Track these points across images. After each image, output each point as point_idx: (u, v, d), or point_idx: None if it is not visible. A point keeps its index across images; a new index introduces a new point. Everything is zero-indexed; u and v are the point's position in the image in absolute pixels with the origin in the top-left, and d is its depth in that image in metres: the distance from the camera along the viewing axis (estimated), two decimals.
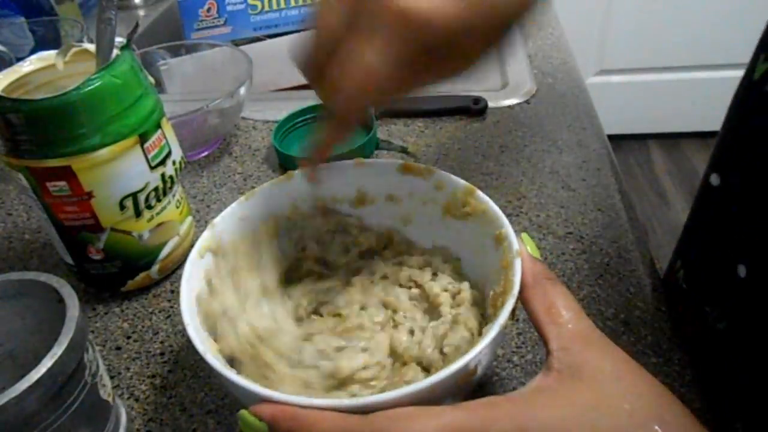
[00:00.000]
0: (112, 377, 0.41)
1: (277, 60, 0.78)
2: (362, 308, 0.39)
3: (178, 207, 0.46)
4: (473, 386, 0.32)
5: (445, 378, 0.27)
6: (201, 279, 0.36)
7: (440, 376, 0.27)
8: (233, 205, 0.39)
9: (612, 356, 0.27)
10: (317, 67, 0.31)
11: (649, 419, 0.24)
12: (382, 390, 0.33)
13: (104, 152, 0.39)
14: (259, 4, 0.79)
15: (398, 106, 0.32)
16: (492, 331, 0.29)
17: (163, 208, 0.44)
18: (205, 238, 0.37)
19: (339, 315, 0.39)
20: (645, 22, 1.74)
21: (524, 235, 0.34)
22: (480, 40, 0.30)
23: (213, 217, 0.38)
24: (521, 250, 0.32)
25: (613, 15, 1.74)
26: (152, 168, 0.42)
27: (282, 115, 0.62)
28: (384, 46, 0.28)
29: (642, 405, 0.25)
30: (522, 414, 0.25)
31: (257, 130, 0.66)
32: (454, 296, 0.37)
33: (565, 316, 0.29)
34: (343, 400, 0.27)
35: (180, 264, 0.48)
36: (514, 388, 0.38)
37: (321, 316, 0.40)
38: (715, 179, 0.36)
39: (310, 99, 0.65)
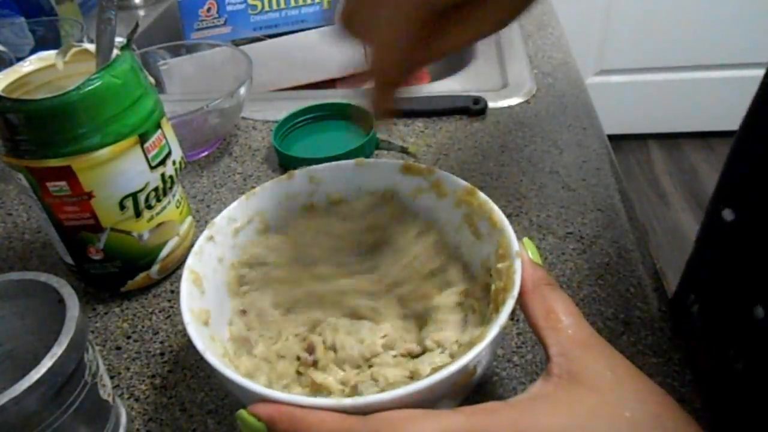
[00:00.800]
0: (112, 377, 0.41)
1: (277, 60, 0.78)
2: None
3: (178, 207, 0.46)
4: (473, 387, 0.32)
5: (445, 378, 0.27)
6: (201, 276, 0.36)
7: (439, 377, 0.27)
8: (233, 204, 0.39)
9: (613, 362, 0.27)
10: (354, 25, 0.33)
11: (650, 426, 0.24)
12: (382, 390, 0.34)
13: (104, 152, 0.39)
14: (259, 4, 0.79)
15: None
16: (492, 332, 0.29)
17: (163, 208, 0.44)
18: (205, 237, 0.37)
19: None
20: (645, 22, 1.74)
21: (525, 239, 0.34)
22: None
23: (213, 217, 0.38)
24: (521, 253, 0.32)
25: (613, 15, 1.74)
26: (152, 168, 0.42)
27: (282, 115, 0.62)
28: (394, 13, 0.29)
29: (642, 411, 0.25)
30: (521, 420, 0.25)
31: (257, 130, 0.66)
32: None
33: (564, 321, 0.28)
34: (342, 399, 0.27)
35: (180, 264, 0.48)
36: (514, 389, 0.38)
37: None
38: (728, 214, 0.34)
39: (310, 99, 0.65)
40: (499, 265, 0.35)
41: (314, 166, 0.42)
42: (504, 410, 0.25)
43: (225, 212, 0.39)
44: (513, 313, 0.30)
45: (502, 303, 0.31)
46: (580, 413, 0.25)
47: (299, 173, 0.41)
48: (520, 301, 0.30)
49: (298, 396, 0.27)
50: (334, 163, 0.42)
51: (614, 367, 0.27)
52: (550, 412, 0.25)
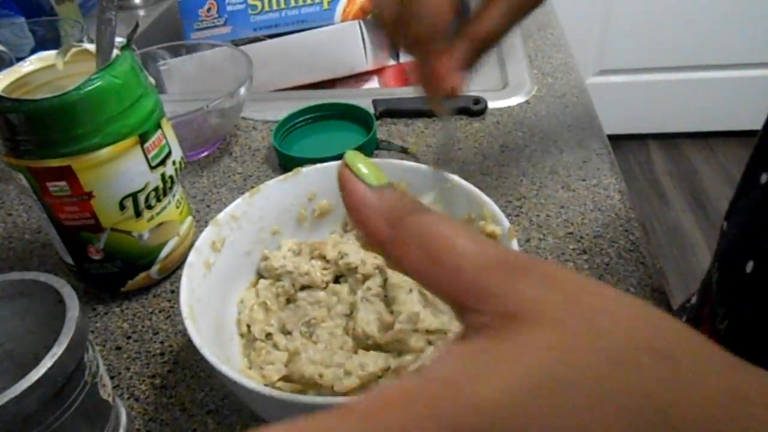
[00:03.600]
0: (112, 377, 0.41)
1: (277, 60, 0.78)
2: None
3: (178, 207, 0.46)
4: None
5: None
6: (201, 273, 0.36)
7: None
8: (237, 201, 0.39)
9: (557, 281, 0.17)
10: (393, 18, 0.35)
11: (641, 353, 0.15)
12: None
13: (104, 152, 0.39)
14: (259, 4, 0.79)
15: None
16: None
17: (163, 208, 0.44)
18: (207, 235, 0.37)
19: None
20: (645, 22, 1.74)
21: (349, 152, 0.22)
22: None
23: (213, 217, 0.38)
24: (344, 174, 0.21)
25: (613, 15, 1.74)
26: (152, 168, 0.42)
27: (282, 115, 0.62)
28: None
29: (623, 337, 0.16)
30: (447, 401, 0.15)
31: (257, 130, 0.66)
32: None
33: (460, 247, 0.18)
34: (337, 398, 0.27)
35: (180, 264, 0.48)
36: None
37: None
38: (765, 177, 0.34)
39: (310, 99, 0.65)
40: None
41: (319, 165, 0.42)
42: (405, 400, 0.15)
43: (228, 209, 0.39)
44: None
45: None
46: (535, 365, 0.15)
47: (305, 171, 0.41)
48: (383, 256, 0.20)
49: (291, 394, 0.28)
50: (339, 162, 0.42)
51: (562, 286, 0.17)
52: (485, 376, 0.15)
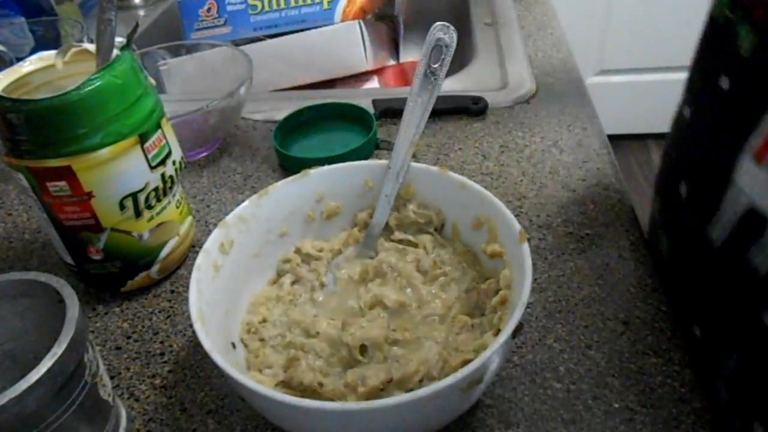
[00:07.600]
0: (112, 377, 0.41)
1: (277, 60, 0.78)
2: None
3: (178, 207, 0.46)
4: (479, 393, 0.32)
5: (451, 385, 0.27)
6: (210, 276, 0.36)
7: (444, 384, 0.27)
8: (245, 203, 0.39)
9: None
10: None
11: None
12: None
13: (104, 152, 0.39)
14: (259, 4, 0.79)
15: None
16: (496, 343, 0.29)
17: (163, 208, 0.44)
18: (216, 237, 0.37)
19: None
20: (645, 22, 1.74)
21: None
22: None
23: (213, 217, 0.38)
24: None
25: (613, 15, 1.74)
26: (152, 168, 0.42)
27: (282, 115, 0.62)
28: None
29: None
30: None
31: (257, 130, 0.66)
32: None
33: None
34: (346, 404, 0.27)
35: (180, 264, 0.49)
36: (514, 389, 0.38)
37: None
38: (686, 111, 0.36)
39: (310, 99, 0.65)
40: (505, 271, 0.35)
41: (327, 166, 0.42)
42: None
43: (237, 210, 0.39)
44: (521, 327, 0.30)
45: (503, 305, 0.31)
46: None
47: (313, 173, 0.41)
48: None
49: (302, 399, 0.27)
50: (348, 164, 0.42)
51: None
52: None
